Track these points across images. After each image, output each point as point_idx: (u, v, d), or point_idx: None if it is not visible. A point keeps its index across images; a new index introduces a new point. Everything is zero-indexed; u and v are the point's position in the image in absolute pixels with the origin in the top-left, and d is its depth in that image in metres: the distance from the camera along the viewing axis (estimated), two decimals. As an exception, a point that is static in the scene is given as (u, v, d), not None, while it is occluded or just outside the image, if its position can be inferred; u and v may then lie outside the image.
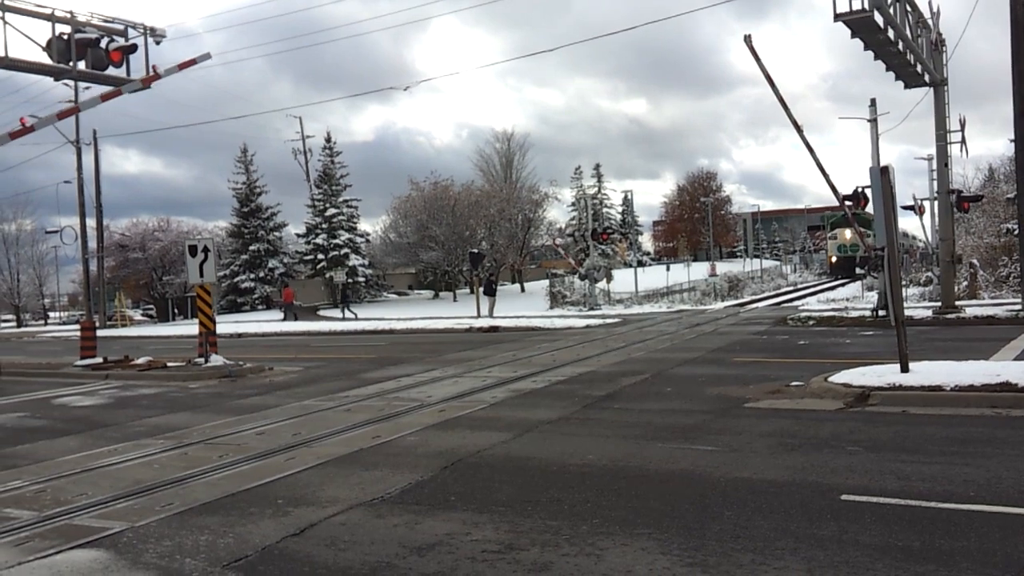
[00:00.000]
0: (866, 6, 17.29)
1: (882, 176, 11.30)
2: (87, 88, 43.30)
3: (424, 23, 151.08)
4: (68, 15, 15.59)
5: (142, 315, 70.79)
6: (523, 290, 61.02)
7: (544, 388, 13.05)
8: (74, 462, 8.94)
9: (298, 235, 63.11)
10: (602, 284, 42.61)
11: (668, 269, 52.55)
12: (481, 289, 38.52)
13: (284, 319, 44.58)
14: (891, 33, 19.11)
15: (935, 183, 25.72)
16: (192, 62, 18.27)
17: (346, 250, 58.50)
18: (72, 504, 7.08)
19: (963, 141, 24.06)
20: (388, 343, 25.40)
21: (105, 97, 17.63)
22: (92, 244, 50.56)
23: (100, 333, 24.87)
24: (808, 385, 11.47)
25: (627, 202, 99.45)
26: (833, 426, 8.94)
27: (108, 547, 5.87)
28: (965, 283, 29.95)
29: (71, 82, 33.14)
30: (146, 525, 6.35)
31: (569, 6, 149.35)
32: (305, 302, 59.40)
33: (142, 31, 16.62)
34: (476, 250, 43.46)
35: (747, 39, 20.73)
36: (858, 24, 17.98)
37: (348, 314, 44.16)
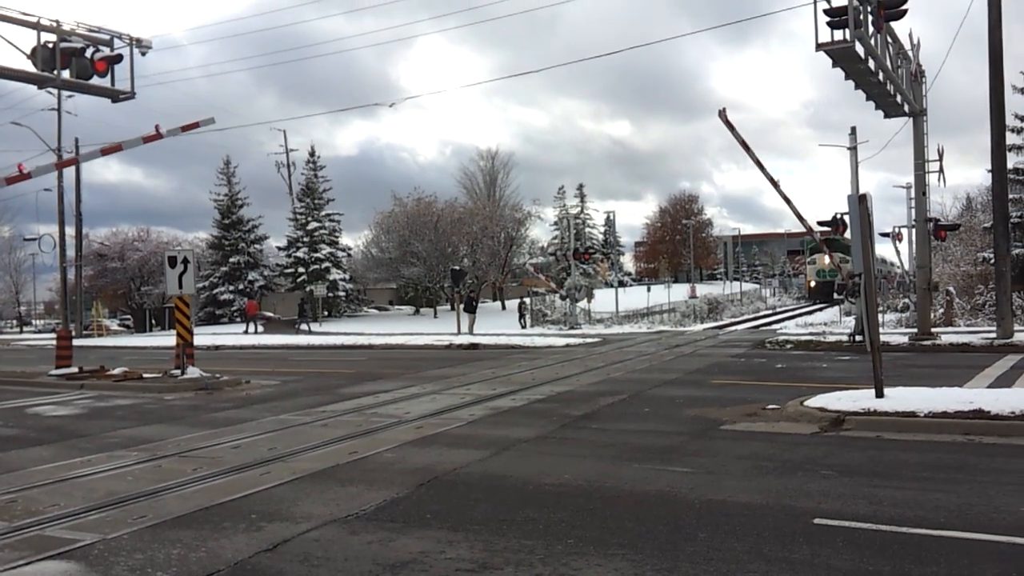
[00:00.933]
0: (847, 37, 17.52)
1: (860, 204, 11.44)
2: (70, 96, 43.30)
3: (410, 40, 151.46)
4: (54, 24, 15.53)
5: (119, 325, 70.22)
6: (504, 308, 61.05)
7: (522, 406, 13.06)
8: (47, 472, 8.85)
9: (279, 248, 62.88)
10: (583, 303, 42.71)
11: (649, 290, 52.78)
12: (461, 306, 38.55)
13: (246, 331, 44.56)
14: (872, 63, 19.38)
15: (913, 211, 26.06)
16: (195, 125, 18.49)
17: (327, 264, 58.35)
18: (43, 515, 7.00)
19: (941, 170, 24.38)
20: (367, 358, 25.32)
21: (106, 151, 17.91)
22: (70, 253, 50.26)
23: (76, 343, 24.66)
24: (784, 408, 11.55)
25: (609, 223, 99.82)
26: (808, 450, 9.01)
27: (79, 559, 5.82)
28: (941, 310, 30.26)
29: (54, 90, 32.94)
30: (118, 538, 6.29)
31: (555, 28, 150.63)
32: (284, 315, 59.09)
33: (128, 41, 16.58)
34: (458, 267, 43.50)
35: (721, 113, 21.75)
36: (839, 54, 18.23)
37: (303, 327, 45.39)
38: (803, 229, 24.26)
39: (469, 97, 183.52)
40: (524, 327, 40.16)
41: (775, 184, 21.87)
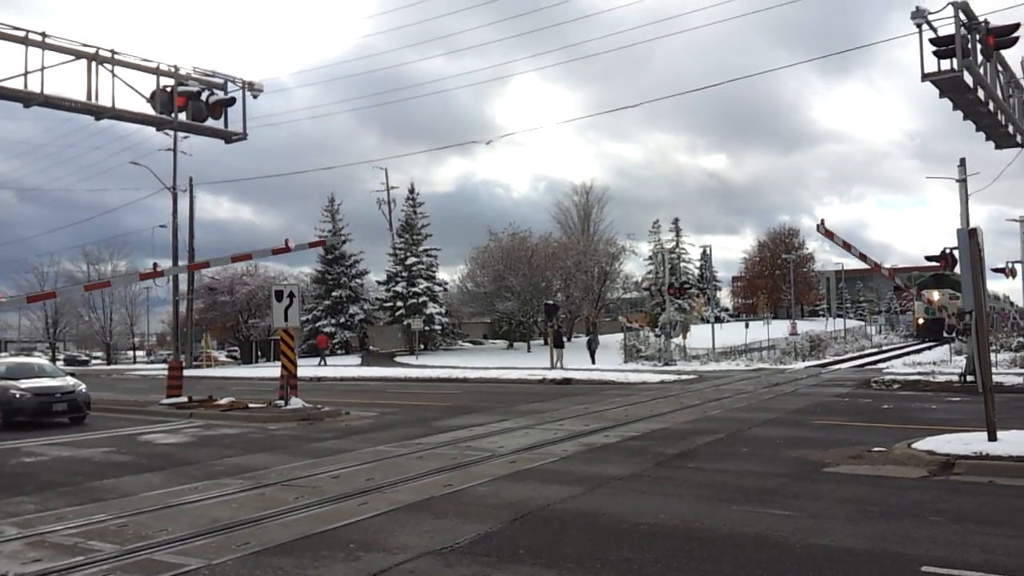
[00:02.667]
0: (955, 66, 16.98)
1: (970, 238, 11.03)
2: (185, 137, 45.47)
3: (506, 79, 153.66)
4: (172, 69, 16.39)
5: (227, 356, 72.75)
6: (598, 343, 60.71)
7: (616, 443, 12.95)
8: (156, 498, 9.23)
9: (379, 282, 64.42)
10: (678, 339, 42.15)
11: (747, 326, 51.72)
12: (552, 341, 38.69)
13: (319, 364, 45.89)
14: (981, 93, 18.70)
15: (1028, 245, 24.88)
16: (321, 242, 19.90)
17: (424, 298, 59.32)
18: (152, 539, 7.30)
19: (1058, 203, 23.27)
20: (461, 391, 25.54)
21: (236, 259, 18.62)
22: (183, 287, 52.44)
23: (186, 373, 25.69)
24: (891, 451, 11.13)
25: (705, 257, 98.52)
26: (916, 494, 8.66)
27: (186, 583, 6.04)
28: (1061, 350, 28.71)
29: (171, 131, 34.69)
30: (222, 563, 6.51)
31: (649, 62, 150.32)
32: (383, 348, 60.25)
33: (240, 85, 17.33)
34: (551, 301, 43.56)
35: (820, 226, 21.52)
36: (946, 84, 17.66)
37: (322, 363, 47.49)
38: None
39: (563, 133, 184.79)
40: (593, 362, 40.01)
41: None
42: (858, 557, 6.34)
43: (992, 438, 10.55)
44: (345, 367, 43.40)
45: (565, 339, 49.05)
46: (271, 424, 16.86)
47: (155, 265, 17.61)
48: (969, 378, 21.57)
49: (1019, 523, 7.32)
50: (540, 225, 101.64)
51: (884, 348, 54.77)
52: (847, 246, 22.69)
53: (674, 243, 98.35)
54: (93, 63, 15.19)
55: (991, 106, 19.65)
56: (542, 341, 53.80)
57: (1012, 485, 9.03)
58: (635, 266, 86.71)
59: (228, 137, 17.53)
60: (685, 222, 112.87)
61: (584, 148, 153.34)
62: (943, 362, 34.39)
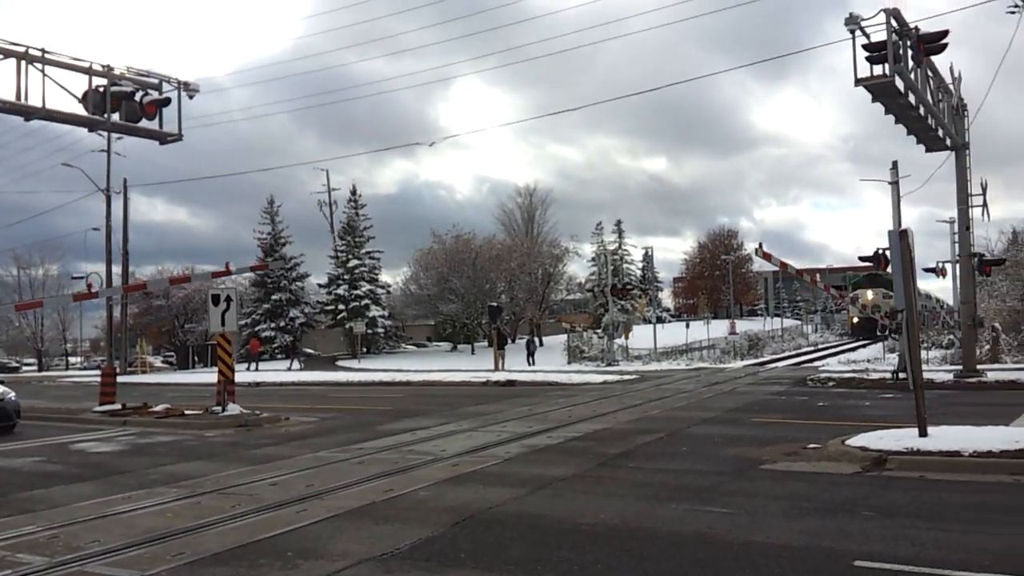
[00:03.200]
0: (887, 72, 17.43)
1: (901, 239, 11.33)
2: (119, 138, 44.38)
3: (448, 81, 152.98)
4: (105, 68, 16.00)
5: (162, 362, 71.25)
6: (541, 344, 60.91)
7: (559, 444, 13.00)
8: (88, 508, 8.98)
9: (320, 285, 63.69)
10: (620, 340, 42.51)
11: (688, 326, 52.38)
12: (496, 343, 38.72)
13: (248, 369, 45.36)
14: (912, 98, 19.24)
15: (957, 246, 25.62)
16: (264, 266, 20.01)
17: (367, 301, 58.87)
18: (84, 551, 7.10)
19: (985, 204, 24.01)
20: (405, 395, 25.40)
21: (174, 281, 18.13)
22: (117, 290, 51.12)
23: (120, 379, 25.08)
24: (825, 447, 11.36)
25: (647, 258, 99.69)
26: (849, 490, 8.85)
27: (117, 596, 5.88)
28: (987, 347, 29.64)
29: (104, 132, 33.85)
30: (155, 574, 6.36)
31: (589, 66, 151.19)
32: (324, 352, 59.62)
33: (176, 85, 17.01)
34: (495, 303, 43.59)
35: (758, 250, 23.10)
36: (879, 89, 18.12)
37: (295, 365, 48.08)
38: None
39: (506, 135, 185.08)
40: (531, 364, 40.09)
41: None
42: (793, 553, 6.46)
43: (923, 434, 10.84)
44: (284, 372, 42.82)
45: (508, 340, 49.16)
46: (208, 431, 16.55)
47: (89, 286, 17.15)
48: (901, 375, 22.15)
49: (948, 517, 7.53)
50: (484, 227, 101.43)
51: (820, 347, 55.97)
52: (784, 266, 24.98)
53: (617, 245, 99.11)
54: (23, 62, 14.77)
55: (921, 110, 20.22)
56: (486, 343, 53.81)
57: (942, 479, 9.28)
58: (578, 267, 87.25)
59: (163, 138, 17.19)
60: (627, 224, 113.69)
61: (527, 151, 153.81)
62: (877, 360, 35.26)
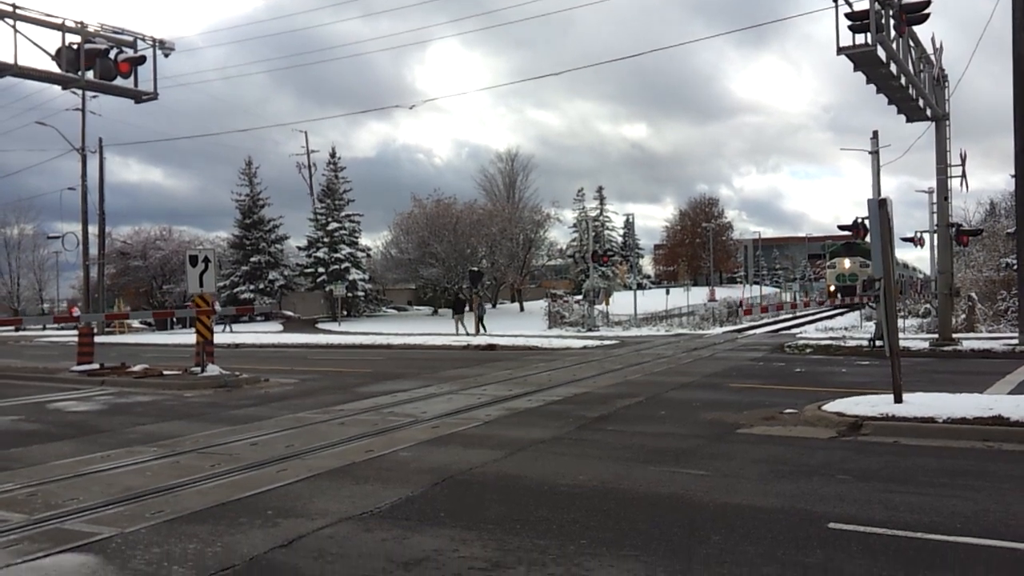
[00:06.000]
0: (869, 41, 17.40)
1: (880, 209, 11.37)
2: (94, 97, 43.71)
3: (425, 43, 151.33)
4: (79, 25, 15.70)
5: (140, 323, 70.76)
6: (522, 309, 61.04)
7: (539, 408, 13.07)
8: (67, 467, 8.96)
9: (299, 248, 63.36)
10: (601, 306, 42.66)
11: (668, 293, 52.66)
12: (477, 308, 38.80)
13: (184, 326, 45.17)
14: (893, 68, 19.23)
15: (935, 216, 25.81)
16: None
17: (347, 264, 58.69)
18: (63, 508, 7.09)
19: (963, 175, 24.16)
20: (385, 358, 25.41)
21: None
22: (93, 251, 50.72)
23: (98, 339, 24.89)
24: (802, 413, 11.49)
25: (629, 225, 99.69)
26: (825, 454, 8.97)
27: (97, 552, 5.88)
28: (963, 316, 30.01)
29: (78, 90, 33.29)
30: (135, 532, 6.36)
31: (569, 30, 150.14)
32: (304, 315, 59.47)
33: (151, 43, 16.73)
34: (476, 268, 43.57)
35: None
36: (861, 58, 18.10)
37: (227, 328, 46.21)
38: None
39: (485, 100, 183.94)
40: (481, 331, 37.75)
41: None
42: (768, 514, 6.54)
43: (898, 400, 10.98)
44: (266, 334, 42.67)
45: (489, 305, 49.15)
46: (187, 391, 16.50)
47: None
48: (878, 343, 22.39)
49: (921, 481, 7.65)
50: (464, 192, 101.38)
51: (799, 314, 56.43)
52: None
53: (598, 211, 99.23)
54: (-7, 16, 14.45)
55: (903, 80, 20.23)
56: (468, 308, 53.92)
57: (916, 445, 9.42)
58: (560, 234, 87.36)
59: (138, 97, 16.95)
60: (609, 191, 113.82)
61: (507, 115, 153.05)
62: (854, 327, 35.63)
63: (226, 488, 7.78)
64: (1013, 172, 23.03)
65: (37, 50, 15.49)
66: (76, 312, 29.80)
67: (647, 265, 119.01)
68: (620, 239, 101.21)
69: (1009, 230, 33.75)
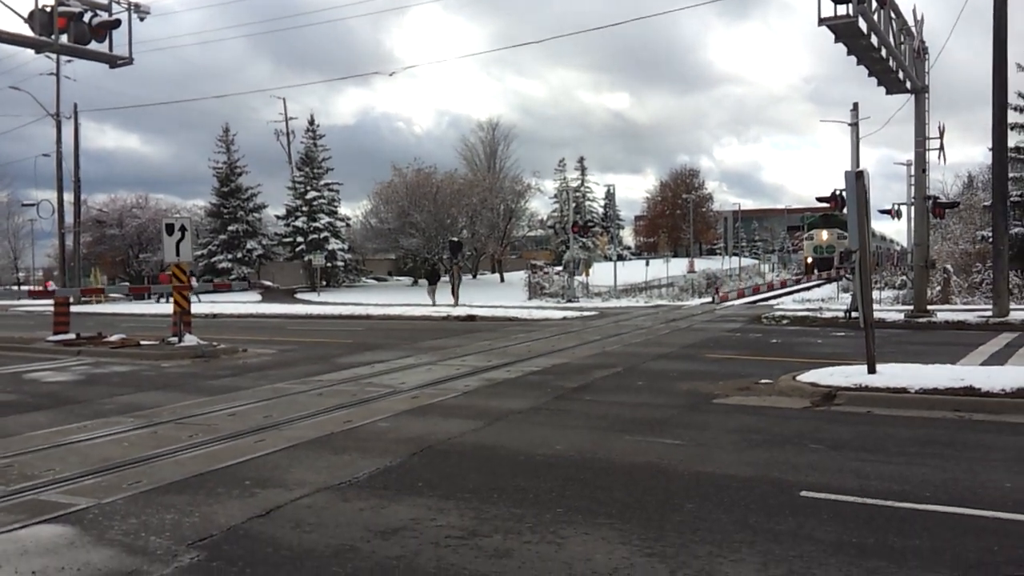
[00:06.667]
0: (851, 12, 17.38)
1: (856, 181, 11.43)
2: (69, 61, 42.93)
3: (404, 9, 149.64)
4: (51, -13, 15.39)
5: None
6: (503, 280, 61.10)
7: (517, 378, 13.13)
8: (43, 438, 8.93)
9: (278, 217, 62.93)
10: (581, 277, 42.77)
11: (648, 264, 52.86)
12: (454, 278, 38.79)
13: (156, 301, 45.02)
14: (874, 39, 19.25)
15: (912, 188, 26.00)
16: None
17: (326, 234, 58.38)
18: (39, 479, 7.08)
19: (942, 148, 24.29)
20: (365, 328, 25.39)
21: None
22: (69, 219, 50.10)
23: (74, 309, 24.70)
24: (777, 383, 11.61)
25: (609, 196, 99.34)
26: (798, 424, 9.09)
27: (74, 523, 5.89)
28: (939, 288, 30.34)
29: (53, 55, 32.75)
30: (112, 502, 6.37)
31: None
32: (283, 285, 59.23)
33: (126, 6, 16.45)
34: (456, 239, 43.51)
35: None
36: (842, 29, 18.08)
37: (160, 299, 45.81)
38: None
39: (466, 67, 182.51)
40: (434, 303, 37.01)
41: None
42: (742, 483, 6.63)
43: (872, 371, 11.12)
44: (244, 303, 42.45)
45: (469, 276, 49.05)
46: (164, 362, 16.44)
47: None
48: (854, 314, 22.60)
49: (892, 450, 7.77)
50: (445, 161, 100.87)
51: (776, 285, 56.80)
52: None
53: (579, 182, 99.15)
54: (-39, -23, 14.13)
55: (883, 52, 20.26)
56: (446, 278, 53.87)
57: (888, 415, 9.56)
58: (541, 204, 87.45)
59: (113, 61, 16.68)
60: (590, 161, 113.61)
61: (488, 84, 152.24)
62: (831, 299, 35.97)
63: (204, 459, 7.79)
64: (991, 145, 23.19)
65: (9, 12, 15.22)
66: (52, 286, 29.51)
67: (627, 236, 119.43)
68: (601, 210, 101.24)
69: (986, 203, 34.10)
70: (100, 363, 16.51)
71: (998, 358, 14.75)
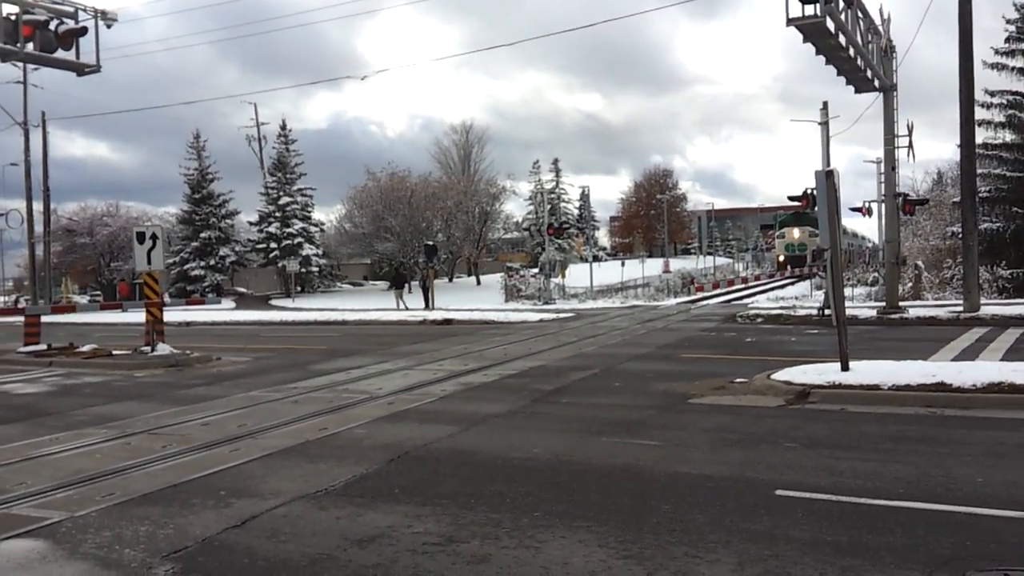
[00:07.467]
0: (818, 12, 17.55)
1: (827, 179, 11.54)
2: (36, 69, 42.37)
3: (374, 12, 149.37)
4: (16, -5, 15.20)
5: (89, 301, 69.45)
6: (479, 283, 61.03)
7: (494, 382, 13.13)
8: (14, 451, 8.80)
9: (251, 223, 62.41)
10: (557, 279, 42.82)
11: (623, 265, 52.94)
12: (426, 282, 38.78)
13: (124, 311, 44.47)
14: (842, 39, 19.45)
15: (883, 186, 26.26)
16: None
17: (300, 239, 58.01)
18: (10, 493, 6.98)
19: (911, 145, 24.59)
20: (340, 334, 25.27)
21: None
22: (39, 228, 49.29)
23: (45, 319, 24.38)
24: (751, 382, 11.69)
25: (584, 197, 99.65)
26: (773, 423, 9.15)
27: (46, 537, 5.81)
28: (910, 284, 30.64)
29: (19, 63, 32.31)
30: (85, 515, 6.29)
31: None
32: (257, 291, 58.84)
33: (92, 14, 16.27)
34: (431, 242, 43.42)
35: None
36: (810, 29, 18.27)
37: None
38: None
39: (438, 70, 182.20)
40: (401, 307, 37.11)
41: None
42: (717, 483, 6.67)
43: (845, 368, 11.22)
44: (217, 311, 42.10)
45: (446, 279, 48.92)
46: (137, 371, 16.28)
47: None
48: (827, 312, 22.76)
49: (866, 447, 7.85)
50: (419, 164, 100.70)
51: (750, 284, 57.16)
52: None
53: (554, 183, 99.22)
54: (-76, -15, 13.93)
55: (851, 52, 20.47)
56: (417, 281, 53.76)
57: (861, 412, 9.65)
58: (516, 206, 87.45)
59: (80, 69, 16.50)
60: (564, 162, 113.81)
61: (460, 86, 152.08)
62: (804, 297, 36.25)
63: (178, 469, 7.72)
64: (959, 142, 23.50)
65: (-28, 22, 14.99)
66: (23, 304, 29.12)
67: (603, 237, 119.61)
68: (576, 211, 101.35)
69: (955, 199, 34.49)
70: (72, 374, 16.32)
71: (969, 353, 14.93)
